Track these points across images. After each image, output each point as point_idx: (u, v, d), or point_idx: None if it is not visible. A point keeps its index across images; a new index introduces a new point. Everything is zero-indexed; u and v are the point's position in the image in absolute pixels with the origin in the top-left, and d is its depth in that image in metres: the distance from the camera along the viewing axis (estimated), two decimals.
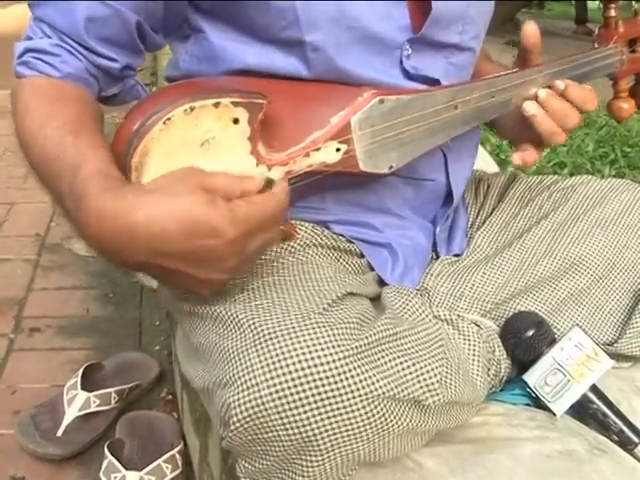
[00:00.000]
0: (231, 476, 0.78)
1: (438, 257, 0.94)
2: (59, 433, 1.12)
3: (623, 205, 0.97)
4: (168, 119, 0.63)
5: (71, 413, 1.14)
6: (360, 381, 0.59)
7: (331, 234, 0.84)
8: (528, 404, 0.85)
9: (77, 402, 1.15)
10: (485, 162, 1.35)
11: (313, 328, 0.60)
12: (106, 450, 1.05)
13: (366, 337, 0.61)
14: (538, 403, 0.84)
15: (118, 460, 1.03)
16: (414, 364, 0.63)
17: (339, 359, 0.59)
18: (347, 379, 0.59)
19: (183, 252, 0.57)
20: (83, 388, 1.17)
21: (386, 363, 0.61)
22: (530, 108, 0.84)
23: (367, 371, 0.60)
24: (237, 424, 0.59)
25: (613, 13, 0.93)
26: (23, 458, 1.13)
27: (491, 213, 1.01)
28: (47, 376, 1.35)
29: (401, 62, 0.81)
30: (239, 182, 0.62)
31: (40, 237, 1.94)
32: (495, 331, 0.88)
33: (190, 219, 0.56)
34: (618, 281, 0.94)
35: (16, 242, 1.92)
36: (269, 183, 0.65)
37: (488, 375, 0.82)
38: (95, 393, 1.16)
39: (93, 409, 1.15)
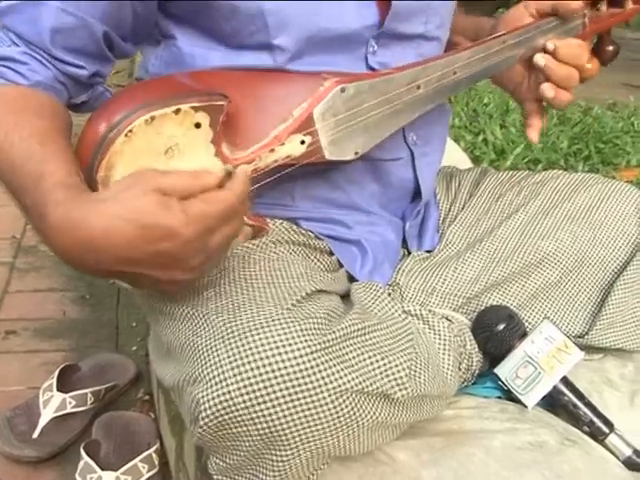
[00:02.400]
0: (205, 474, 0.78)
1: (410, 253, 0.95)
2: (35, 435, 1.12)
3: (592, 199, 0.98)
4: (130, 131, 0.63)
5: (47, 415, 1.13)
6: (328, 375, 0.59)
7: (300, 230, 0.84)
8: (500, 397, 0.87)
9: (53, 403, 1.14)
10: (459, 158, 1.36)
11: (281, 324, 0.60)
12: (82, 451, 1.04)
13: (334, 332, 0.62)
14: (510, 396, 0.85)
15: (94, 461, 1.03)
16: (382, 358, 0.64)
17: (307, 354, 0.59)
18: (315, 373, 0.59)
19: (142, 257, 0.58)
20: (59, 389, 1.17)
21: (354, 357, 0.62)
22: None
23: (335, 365, 0.60)
24: (206, 419, 0.59)
25: None
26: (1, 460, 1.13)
27: (462, 208, 1.02)
28: (23, 378, 1.34)
29: (366, 59, 0.81)
30: (196, 178, 0.61)
31: (16, 240, 1.92)
32: (467, 325, 0.89)
33: (143, 224, 0.56)
34: (588, 274, 0.96)
35: None
36: (229, 174, 0.65)
37: (459, 369, 0.83)
38: (71, 394, 1.16)
39: (69, 410, 1.14)
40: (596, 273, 0.96)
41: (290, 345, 0.59)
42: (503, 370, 0.85)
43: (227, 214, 0.60)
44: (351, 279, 0.85)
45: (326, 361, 0.60)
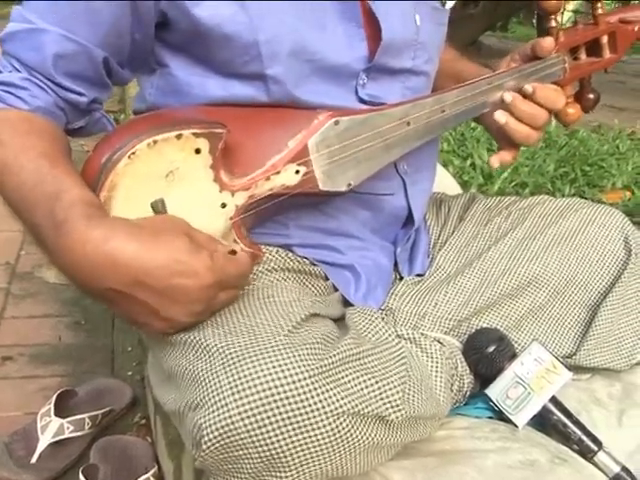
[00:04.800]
0: None
1: (402, 278, 0.98)
2: (33, 460, 1.12)
3: (579, 222, 1.01)
4: (133, 153, 0.67)
5: (45, 440, 1.14)
6: (325, 399, 0.62)
7: (295, 257, 0.87)
8: (491, 417, 0.89)
9: (51, 429, 1.15)
10: (448, 184, 1.39)
11: (279, 349, 0.63)
12: (80, 475, 1.05)
13: (330, 357, 0.64)
14: (501, 416, 0.87)
15: None
16: (377, 382, 0.66)
17: (304, 378, 0.61)
18: (312, 397, 0.61)
19: (160, 287, 0.61)
20: (57, 415, 1.18)
21: (350, 381, 0.64)
22: (500, 117, 0.89)
23: (331, 389, 0.62)
24: (208, 444, 0.61)
25: (554, 24, 0.95)
26: None
27: (452, 233, 1.05)
28: (20, 404, 1.34)
29: (357, 91, 0.85)
30: (218, 243, 0.69)
31: (10, 265, 1.93)
32: (458, 348, 0.91)
33: (175, 258, 0.61)
34: (575, 295, 0.98)
35: None
36: (233, 252, 0.71)
37: (451, 390, 0.85)
38: (68, 419, 1.17)
39: (67, 435, 1.15)
40: (583, 294, 0.98)
41: (288, 370, 0.61)
42: (494, 391, 0.88)
43: (239, 275, 0.68)
44: (346, 303, 0.87)
45: (323, 385, 0.62)
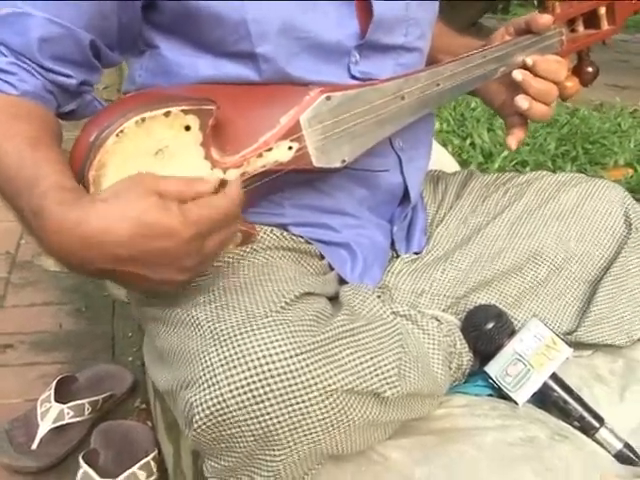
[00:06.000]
0: (202, 479, 0.79)
1: (399, 256, 0.97)
2: (34, 446, 1.13)
3: (577, 197, 1.00)
4: (121, 131, 0.66)
5: (45, 426, 1.14)
6: (318, 375, 0.61)
7: (290, 236, 0.86)
8: (491, 394, 0.88)
9: (51, 414, 1.15)
10: (445, 162, 1.38)
11: (270, 326, 0.62)
12: (81, 460, 1.05)
13: (323, 333, 0.63)
14: (501, 393, 0.87)
15: (93, 469, 1.04)
16: (371, 358, 0.65)
17: (296, 354, 0.61)
18: (305, 374, 0.60)
19: (140, 255, 0.60)
20: (57, 400, 1.18)
21: (343, 358, 0.63)
22: (522, 103, 0.88)
23: (324, 365, 0.62)
24: (200, 422, 0.61)
25: None
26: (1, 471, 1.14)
27: (449, 210, 1.04)
28: (21, 391, 1.35)
29: (349, 68, 0.83)
30: (191, 185, 0.63)
31: (10, 255, 1.93)
32: (456, 325, 0.90)
33: (144, 222, 0.58)
34: (575, 271, 0.97)
35: None
36: (223, 184, 0.67)
37: (450, 368, 0.85)
38: (68, 405, 1.17)
39: (67, 421, 1.15)
40: (583, 270, 0.97)
41: (280, 347, 0.60)
42: (493, 368, 0.87)
43: (222, 219, 0.63)
44: (342, 282, 0.86)
45: (315, 361, 0.61)
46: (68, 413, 1.16)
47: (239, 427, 0.60)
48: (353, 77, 0.84)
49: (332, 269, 0.86)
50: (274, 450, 0.62)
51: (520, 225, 0.98)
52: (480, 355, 0.90)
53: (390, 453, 0.74)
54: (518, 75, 0.89)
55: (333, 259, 0.86)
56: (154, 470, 1.07)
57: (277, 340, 0.61)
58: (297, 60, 0.79)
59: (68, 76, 0.77)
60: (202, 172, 0.72)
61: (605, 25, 0.99)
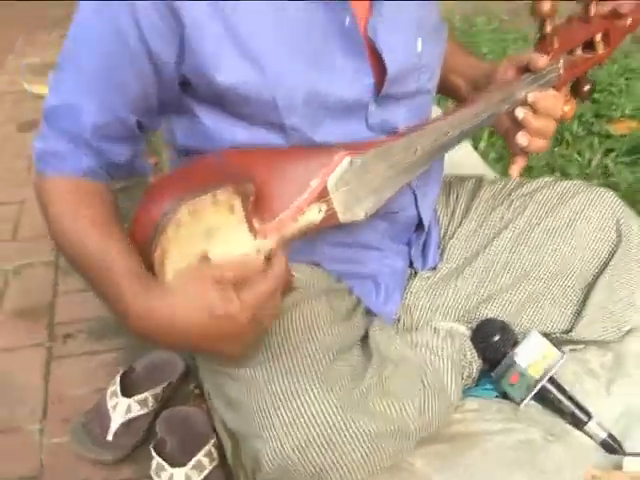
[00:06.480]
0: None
1: (416, 273, 1.11)
2: (109, 437, 1.30)
3: (574, 210, 1.12)
4: (178, 220, 0.77)
5: (117, 419, 1.30)
6: (356, 426, 0.77)
7: (323, 272, 0.99)
8: (497, 395, 1.04)
9: (120, 409, 1.32)
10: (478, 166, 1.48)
11: (317, 389, 0.78)
12: (152, 451, 1.23)
13: (357, 388, 0.79)
14: (505, 395, 1.03)
15: (162, 458, 1.22)
16: (397, 401, 0.81)
17: (339, 412, 0.77)
18: (346, 426, 0.77)
19: (211, 336, 0.75)
20: (123, 394, 1.34)
21: (374, 407, 0.79)
22: (522, 140, 0.96)
23: (361, 417, 0.78)
24: (267, 468, 0.78)
25: (548, 29, 0.96)
26: (82, 464, 1.29)
27: (460, 224, 1.17)
28: (86, 381, 1.48)
29: (366, 120, 0.92)
30: (244, 267, 0.77)
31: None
32: (467, 336, 1.06)
33: (210, 314, 0.73)
34: (570, 279, 1.11)
35: (34, 245, 1.98)
36: (268, 255, 0.80)
37: (462, 378, 1.00)
38: (135, 399, 1.32)
39: (135, 414, 1.32)
40: (578, 277, 1.11)
41: (326, 407, 0.77)
42: (498, 374, 1.03)
43: (272, 294, 0.76)
44: (368, 310, 1.01)
45: (354, 414, 0.78)
46: (135, 407, 1.32)
47: (297, 470, 0.78)
48: (370, 127, 0.93)
49: (359, 302, 1.01)
50: None
51: (523, 240, 1.11)
52: (488, 362, 1.05)
53: (415, 461, 0.91)
54: (520, 113, 0.95)
55: (362, 292, 1.01)
56: (215, 456, 1.24)
57: (323, 402, 0.77)
58: (321, 126, 0.88)
59: (119, 154, 0.88)
60: (247, 243, 0.83)
61: (601, 49, 1.03)
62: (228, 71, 0.82)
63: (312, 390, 0.78)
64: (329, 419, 0.76)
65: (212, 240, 0.82)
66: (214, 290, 0.74)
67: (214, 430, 1.30)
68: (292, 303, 0.91)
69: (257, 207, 0.84)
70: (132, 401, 1.33)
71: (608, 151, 2.09)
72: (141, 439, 1.32)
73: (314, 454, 0.77)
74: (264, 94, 0.84)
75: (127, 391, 1.36)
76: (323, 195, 0.87)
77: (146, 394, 1.36)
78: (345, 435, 0.77)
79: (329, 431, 0.76)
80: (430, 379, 0.88)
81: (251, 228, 0.84)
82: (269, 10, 0.81)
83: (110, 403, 1.34)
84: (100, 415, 1.34)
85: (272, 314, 0.79)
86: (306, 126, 0.88)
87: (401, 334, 0.95)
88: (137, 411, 1.33)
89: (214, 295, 0.73)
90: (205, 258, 0.80)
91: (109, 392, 1.37)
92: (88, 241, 0.80)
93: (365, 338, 0.93)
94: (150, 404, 1.35)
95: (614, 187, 1.86)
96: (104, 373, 1.52)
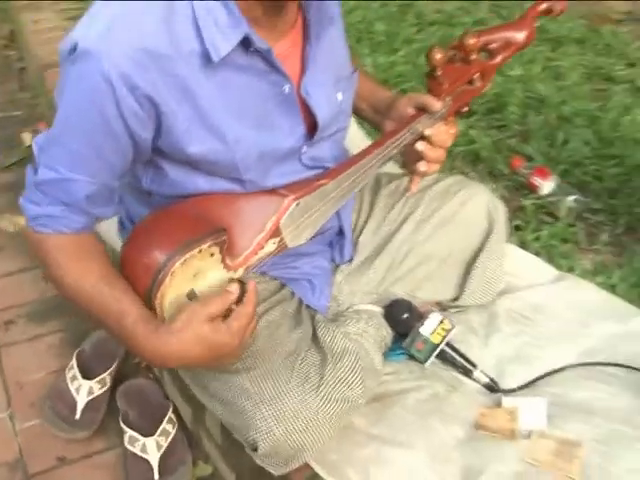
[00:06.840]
0: (230, 438, 1.22)
1: (337, 266, 1.37)
2: (77, 417, 1.48)
3: (456, 205, 1.41)
4: (172, 272, 0.99)
5: (82, 400, 1.49)
6: (324, 411, 1.06)
7: (270, 280, 1.24)
8: (407, 358, 1.35)
9: (83, 391, 1.49)
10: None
11: (293, 388, 1.06)
12: (123, 425, 1.44)
13: (321, 389, 1.08)
14: (413, 357, 1.34)
15: (131, 429, 1.44)
16: (348, 386, 1.09)
17: (313, 404, 1.06)
18: (318, 413, 1.06)
19: (208, 359, 0.99)
20: (83, 377, 1.52)
21: (335, 394, 1.07)
22: (421, 167, 1.19)
23: (326, 404, 1.06)
24: (262, 449, 1.05)
25: (439, 73, 1.18)
26: (57, 442, 1.47)
27: (366, 220, 1.42)
28: (40, 365, 1.63)
29: (300, 159, 1.14)
30: (225, 300, 0.99)
31: None
32: (381, 314, 1.34)
33: (208, 344, 0.97)
34: (456, 259, 1.41)
35: None
36: (243, 285, 1.04)
37: (382, 350, 1.29)
38: (95, 380, 1.51)
39: (97, 393, 1.51)
40: (461, 257, 1.42)
41: (303, 405, 1.05)
42: (407, 343, 1.33)
43: (251, 316, 1.01)
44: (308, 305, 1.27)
45: (322, 403, 1.07)
46: (97, 387, 1.52)
47: (285, 449, 1.05)
48: (304, 165, 1.15)
49: (301, 301, 1.26)
50: (305, 453, 1.08)
51: (418, 232, 1.39)
52: (398, 334, 1.35)
53: (354, 419, 1.20)
54: (420, 146, 1.17)
55: (301, 293, 1.26)
56: (175, 421, 1.48)
57: (300, 401, 1.05)
58: (269, 174, 1.10)
59: (107, 212, 1.07)
60: (222, 276, 1.06)
61: (478, 83, 1.28)
62: (197, 143, 1.00)
63: (291, 390, 1.06)
64: (307, 412, 1.05)
65: (198, 281, 1.04)
66: (207, 325, 0.96)
67: (167, 397, 1.53)
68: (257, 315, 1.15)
69: (228, 248, 1.07)
70: (93, 383, 1.53)
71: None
72: (104, 413, 1.52)
73: (297, 436, 1.05)
74: (227, 158, 1.04)
75: (84, 372, 1.54)
76: (276, 233, 1.11)
77: (104, 375, 1.55)
78: (318, 420, 1.06)
79: (307, 419, 1.05)
80: (364, 361, 1.16)
81: (225, 265, 1.07)
82: (225, 89, 1.00)
83: (73, 386, 1.53)
84: (64, 397, 1.53)
85: (252, 328, 1.03)
86: (259, 177, 1.09)
87: (338, 326, 1.21)
88: (98, 390, 1.52)
89: (207, 330, 0.96)
90: (192, 294, 1.02)
91: (69, 376, 1.55)
92: (100, 298, 0.99)
93: (314, 336, 1.19)
94: (108, 382, 1.55)
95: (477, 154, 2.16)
96: (54, 355, 1.67)
